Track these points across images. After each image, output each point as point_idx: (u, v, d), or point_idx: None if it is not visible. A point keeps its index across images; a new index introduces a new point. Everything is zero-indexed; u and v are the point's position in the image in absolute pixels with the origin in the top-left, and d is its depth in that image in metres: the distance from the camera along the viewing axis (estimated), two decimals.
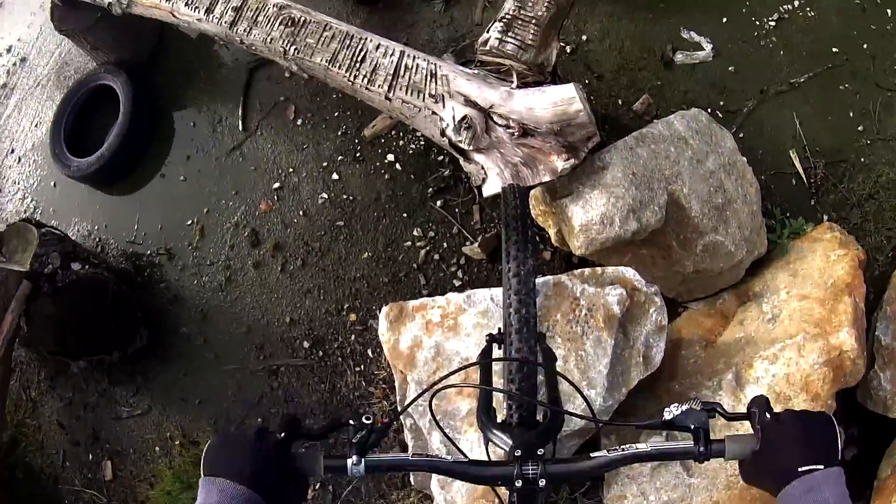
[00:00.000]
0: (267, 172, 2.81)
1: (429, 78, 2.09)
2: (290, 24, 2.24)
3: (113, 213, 3.04)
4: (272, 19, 2.27)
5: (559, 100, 1.95)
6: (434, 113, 2.08)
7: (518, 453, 1.02)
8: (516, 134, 2.02)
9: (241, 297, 2.70)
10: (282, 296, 2.66)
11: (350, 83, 2.16)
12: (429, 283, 2.53)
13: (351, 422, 1.00)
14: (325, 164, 2.75)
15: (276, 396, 2.58)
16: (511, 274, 1.71)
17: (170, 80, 3.15)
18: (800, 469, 0.85)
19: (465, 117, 2.03)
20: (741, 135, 2.52)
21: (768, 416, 0.91)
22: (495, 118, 2.05)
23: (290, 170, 2.79)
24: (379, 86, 2.13)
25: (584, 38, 2.71)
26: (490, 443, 1.17)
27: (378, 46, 2.16)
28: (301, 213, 2.73)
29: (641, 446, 0.98)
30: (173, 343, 2.78)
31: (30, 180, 3.33)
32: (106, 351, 2.80)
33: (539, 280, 1.95)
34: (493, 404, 1.29)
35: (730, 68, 2.60)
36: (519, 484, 0.99)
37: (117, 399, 2.81)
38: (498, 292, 2.08)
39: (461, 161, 2.13)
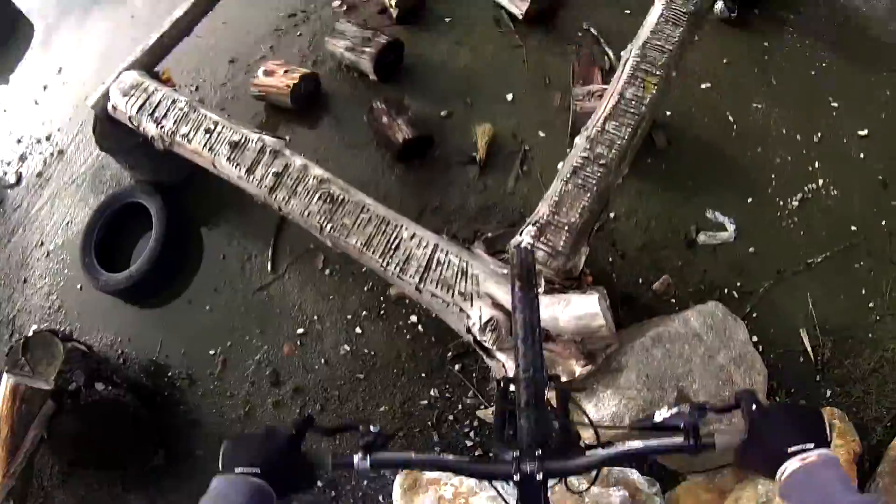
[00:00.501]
0: (292, 317, 2.87)
1: (459, 276, 2.16)
2: (328, 200, 2.34)
3: (137, 329, 3.09)
4: (311, 192, 2.37)
5: (583, 313, 2.02)
6: (462, 310, 2.15)
7: (516, 454, 1.06)
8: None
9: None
10: None
11: (383, 269, 2.23)
12: (441, 440, 2.57)
13: (360, 427, 1.10)
14: (349, 316, 2.81)
15: None
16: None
17: (204, 208, 3.23)
18: (789, 450, 0.91)
19: (491, 319, 2.10)
20: (755, 314, 2.59)
21: (755, 406, 0.98)
22: None
23: (315, 317, 2.86)
24: (410, 276, 2.20)
25: (611, 214, 2.81)
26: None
27: (413, 236, 2.24)
28: (323, 360, 2.78)
29: (635, 443, 1.02)
30: (188, 464, 2.80)
31: (56, 278, 3.37)
32: (123, 467, 2.87)
33: None
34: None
35: (750, 249, 2.69)
36: (517, 478, 1.04)
37: None
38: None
39: (482, 355, 2.20)
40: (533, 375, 1.18)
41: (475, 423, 2.58)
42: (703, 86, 3.11)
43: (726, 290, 2.64)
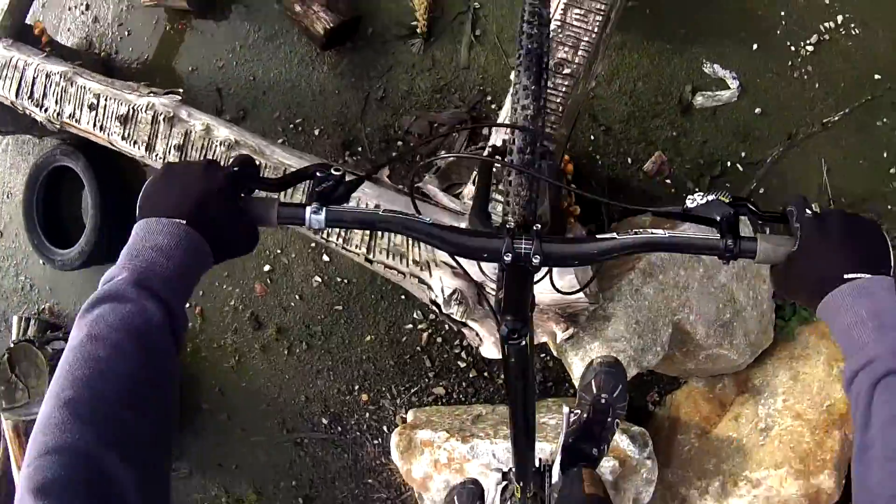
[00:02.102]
0: (255, 254, 2.55)
1: (410, 242, 1.82)
2: None
3: None
4: (222, 162, 1.93)
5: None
6: (421, 281, 1.85)
7: (510, 225, 0.87)
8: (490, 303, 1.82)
9: (255, 378, 2.63)
10: (293, 376, 2.58)
11: (325, 241, 1.89)
12: (434, 364, 2.42)
13: (318, 173, 0.84)
14: (312, 244, 2.48)
15: (304, 463, 2.65)
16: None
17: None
18: (845, 276, 0.70)
19: (454, 291, 1.81)
20: (761, 190, 2.21)
21: (808, 213, 0.76)
22: (489, 289, 1.83)
23: (279, 251, 2.54)
24: (356, 246, 1.86)
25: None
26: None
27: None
28: (297, 296, 2.53)
29: (658, 232, 0.82)
30: (199, 419, 2.77)
31: (18, 256, 3.08)
32: None
33: None
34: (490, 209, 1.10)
35: (756, 110, 2.18)
36: (508, 258, 0.81)
37: None
38: (500, 448, 2.05)
39: (453, 326, 1.94)
40: (533, 134, 0.92)
41: (465, 343, 2.41)
42: None
43: (729, 163, 2.20)
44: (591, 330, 1.89)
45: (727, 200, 0.79)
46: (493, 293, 1.78)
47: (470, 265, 1.81)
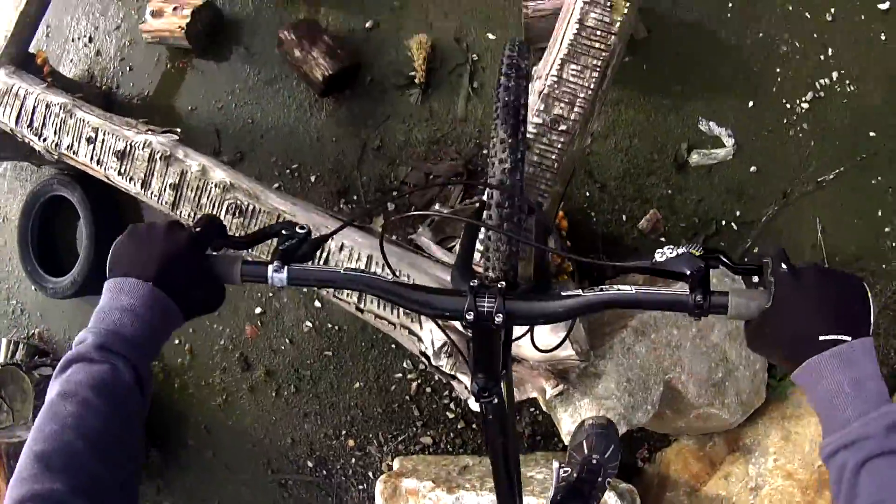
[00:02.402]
0: (246, 296, 2.54)
1: None
2: (237, 212, 1.89)
3: None
4: (217, 204, 1.92)
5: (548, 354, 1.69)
6: (411, 332, 1.83)
7: (473, 283, 0.82)
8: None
9: (242, 417, 2.57)
10: (280, 418, 2.53)
11: (315, 289, 1.89)
12: (422, 414, 2.38)
13: (283, 231, 0.85)
14: (304, 290, 2.47)
15: None
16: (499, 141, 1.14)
17: None
18: (821, 338, 0.66)
19: (444, 344, 1.79)
20: (756, 249, 2.20)
21: (784, 267, 0.71)
22: None
23: (270, 294, 2.52)
24: (347, 294, 1.85)
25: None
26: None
27: (342, 248, 1.83)
28: (288, 340, 2.50)
29: (625, 288, 0.79)
30: (184, 455, 2.72)
31: (10, 280, 3.05)
32: None
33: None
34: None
35: (751, 168, 2.19)
36: (470, 317, 0.80)
37: (140, 494, 2.88)
38: (486, 500, 2.01)
39: (442, 378, 1.92)
40: (510, 189, 0.91)
41: (454, 395, 2.38)
42: None
43: (724, 222, 2.20)
44: (582, 387, 1.87)
45: (698, 253, 0.77)
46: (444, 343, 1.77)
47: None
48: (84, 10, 2.99)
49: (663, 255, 0.78)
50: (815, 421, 2.00)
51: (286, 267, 0.83)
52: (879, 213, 2.12)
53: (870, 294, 0.70)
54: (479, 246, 1.13)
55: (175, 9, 2.52)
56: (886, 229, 2.11)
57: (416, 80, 2.41)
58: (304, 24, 2.36)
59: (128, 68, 2.83)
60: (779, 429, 2.06)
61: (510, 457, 1.06)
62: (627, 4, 1.73)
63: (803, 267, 0.72)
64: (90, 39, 2.97)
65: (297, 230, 0.85)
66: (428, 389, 2.39)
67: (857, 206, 2.12)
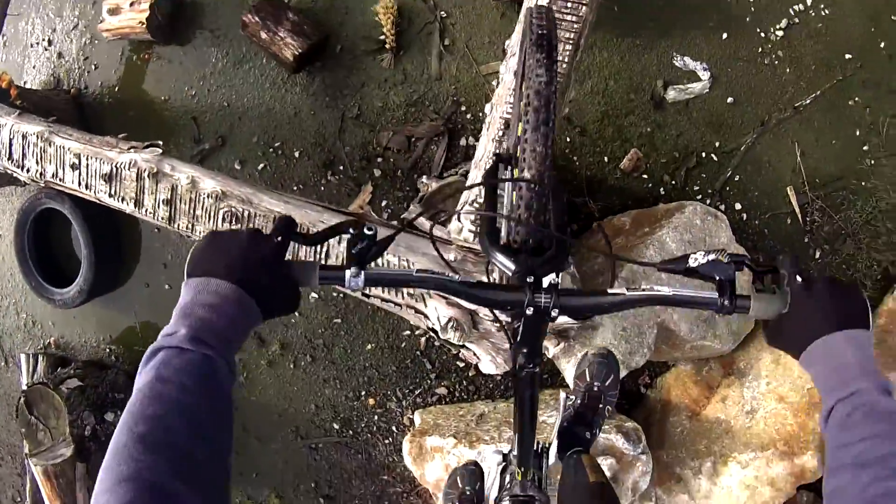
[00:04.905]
0: None
1: None
2: (234, 219, 1.98)
3: (112, 323, 2.94)
4: (212, 214, 2.00)
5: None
6: (417, 311, 1.96)
7: (531, 280, 0.92)
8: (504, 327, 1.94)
9: (265, 391, 2.77)
10: (301, 388, 2.72)
11: None
12: (434, 366, 2.56)
13: (351, 230, 0.90)
14: None
15: (320, 466, 2.83)
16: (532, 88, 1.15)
17: None
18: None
19: (450, 320, 1.93)
20: (737, 178, 2.29)
21: (799, 278, 0.87)
22: (482, 315, 1.94)
23: None
24: None
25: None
26: (492, 266, 1.18)
27: (340, 240, 1.94)
28: (297, 313, 2.65)
29: (663, 289, 0.92)
30: None
31: (16, 294, 3.13)
32: None
33: None
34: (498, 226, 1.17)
35: (728, 99, 2.25)
36: (530, 312, 0.92)
37: None
38: (505, 448, 2.22)
39: (450, 347, 2.07)
40: (540, 177, 0.97)
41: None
42: None
43: (704, 154, 2.29)
44: (581, 339, 2.02)
45: (725, 260, 0.89)
46: (492, 320, 1.91)
47: None
48: (37, 13, 2.94)
49: (696, 260, 0.90)
50: None
51: (363, 272, 0.89)
52: (857, 133, 2.20)
53: (867, 301, 0.86)
54: (506, 230, 1.15)
55: (132, 3, 2.48)
56: (865, 147, 2.21)
57: (387, 44, 2.42)
58: (265, 2, 2.34)
59: (93, 67, 2.81)
60: (769, 352, 2.22)
61: (534, 405, 1.16)
62: None
63: (814, 279, 0.87)
64: (49, 42, 2.93)
65: (365, 231, 0.89)
66: (436, 343, 2.56)
67: (834, 128, 2.21)
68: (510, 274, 0.95)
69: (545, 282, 0.95)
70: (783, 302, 0.87)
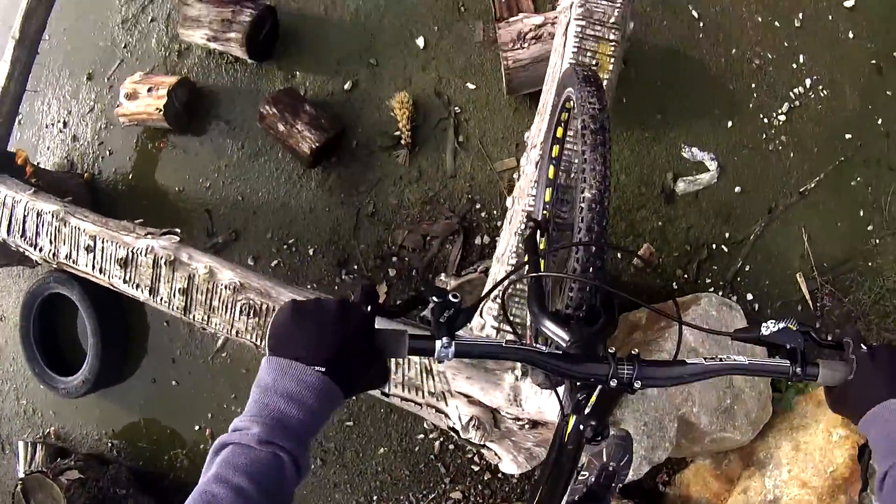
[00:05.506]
0: None
1: (424, 375, 1.89)
2: (252, 313, 1.96)
3: (115, 417, 2.86)
4: (230, 306, 1.99)
5: None
6: (438, 410, 1.93)
7: (613, 351, 0.93)
8: (527, 427, 1.91)
9: None
10: (311, 491, 2.61)
11: None
12: (448, 470, 2.47)
13: (435, 298, 0.86)
14: None
15: None
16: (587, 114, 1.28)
17: None
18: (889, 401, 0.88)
19: (472, 418, 1.90)
20: (748, 267, 2.32)
21: (864, 347, 0.92)
22: (504, 413, 1.92)
23: None
24: None
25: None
26: (541, 335, 1.09)
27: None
28: None
29: (739, 359, 0.95)
30: None
31: (17, 380, 3.05)
32: None
33: None
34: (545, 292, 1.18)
35: (736, 189, 2.31)
36: (614, 384, 0.92)
37: None
38: None
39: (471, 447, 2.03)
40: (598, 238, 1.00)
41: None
42: None
43: (714, 246, 2.32)
44: None
45: (795, 328, 0.95)
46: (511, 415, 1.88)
47: (485, 394, 1.91)
48: (54, 94, 3.00)
49: (768, 328, 0.96)
50: (821, 430, 2.14)
51: (454, 342, 0.85)
52: (861, 213, 2.26)
53: None
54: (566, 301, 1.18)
55: (150, 90, 2.54)
56: (869, 227, 2.26)
57: (402, 141, 2.47)
58: (283, 94, 2.41)
59: (107, 152, 2.85)
60: (788, 440, 2.20)
61: (569, 478, 1.10)
62: (612, 61, 1.82)
63: (878, 347, 0.92)
64: (64, 124, 2.97)
65: (451, 299, 0.86)
66: (451, 446, 2.49)
67: (839, 210, 2.26)
68: (564, 344, 0.96)
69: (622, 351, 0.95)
70: (849, 369, 0.91)
